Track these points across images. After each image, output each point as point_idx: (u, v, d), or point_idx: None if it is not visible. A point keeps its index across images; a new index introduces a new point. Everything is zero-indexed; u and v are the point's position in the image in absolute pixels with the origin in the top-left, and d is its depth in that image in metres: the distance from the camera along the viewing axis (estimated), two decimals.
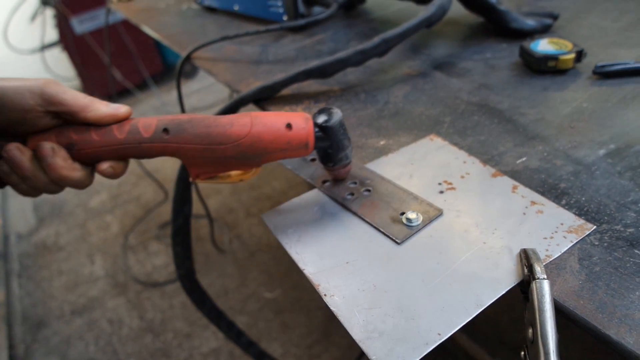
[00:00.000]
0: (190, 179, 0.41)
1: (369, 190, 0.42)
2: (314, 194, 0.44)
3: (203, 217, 1.86)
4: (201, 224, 1.84)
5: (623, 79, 0.52)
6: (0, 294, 1.72)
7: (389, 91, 0.58)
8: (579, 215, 0.36)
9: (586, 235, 0.34)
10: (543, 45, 0.56)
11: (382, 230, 0.38)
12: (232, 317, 1.42)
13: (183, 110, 0.93)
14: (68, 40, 2.73)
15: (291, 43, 0.77)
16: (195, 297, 0.92)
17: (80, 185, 0.39)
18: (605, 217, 0.36)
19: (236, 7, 0.93)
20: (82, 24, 2.70)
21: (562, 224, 0.36)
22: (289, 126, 0.37)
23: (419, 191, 0.41)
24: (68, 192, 2.23)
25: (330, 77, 0.60)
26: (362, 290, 0.33)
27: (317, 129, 0.39)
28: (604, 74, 0.52)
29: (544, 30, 0.65)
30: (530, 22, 0.64)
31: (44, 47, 2.73)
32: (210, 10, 1.04)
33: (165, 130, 0.38)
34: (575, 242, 0.34)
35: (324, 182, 0.44)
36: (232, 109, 0.58)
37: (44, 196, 2.17)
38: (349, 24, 0.81)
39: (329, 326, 1.36)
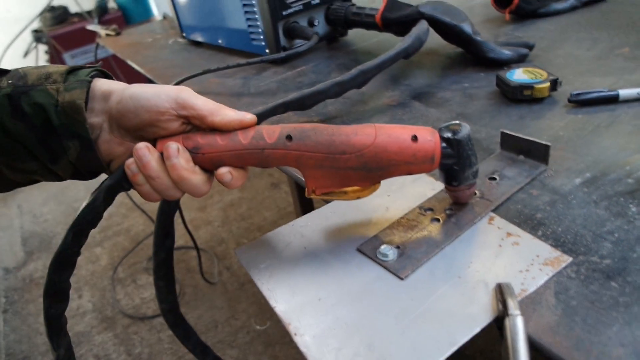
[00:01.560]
0: (306, 194, 0.40)
1: None
2: (288, 228, 0.43)
3: (192, 248, 1.84)
4: (190, 256, 1.81)
5: (597, 107, 0.52)
6: None
7: (368, 122, 0.58)
8: (556, 246, 0.36)
9: (563, 268, 0.34)
10: (518, 75, 0.57)
11: (355, 266, 0.37)
12: (222, 351, 1.39)
13: None
14: None
15: (273, 75, 0.78)
16: (179, 332, 0.90)
17: (198, 189, 0.39)
18: (582, 248, 0.35)
19: (220, 41, 0.94)
20: (74, 59, 2.73)
21: (538, 256, 0.35)
22: (414, 138, 0.36)
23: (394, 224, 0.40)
24: (57, 224, 2.21)
25: (310, 109, 0.60)
26: (334, 328, 0.32)
27: (443, 144, 0.37)
28: (579, 102, 0.52)
29: (520, 60, 0.65)
30: (507, 52, 0.65)
31: None
32: (196, 44, 1.05)
33: (289, 137, 0.37)
34: (551, 275, 0.33)
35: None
36: None
37: (34, 229, 2.14)
38: (330, 55, 0.82)
39: None
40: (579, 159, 0.45)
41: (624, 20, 0.75)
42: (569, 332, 0.29)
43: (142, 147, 0.38)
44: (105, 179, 0.40)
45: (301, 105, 0.58)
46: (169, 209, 0.73)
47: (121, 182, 0.40)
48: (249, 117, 0.39)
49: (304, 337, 0.32)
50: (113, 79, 0.43)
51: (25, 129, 0.37)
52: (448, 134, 0.37)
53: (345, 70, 0.75)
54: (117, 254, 1.92)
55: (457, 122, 0.38)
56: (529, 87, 0.54)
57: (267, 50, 0.81)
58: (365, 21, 0.77)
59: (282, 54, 0.76)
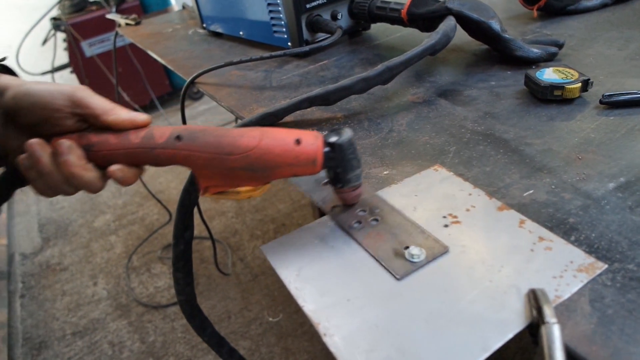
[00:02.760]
0: (200, 193, 0.42)
1: (376, 220, 0.41)
2: (315, 225, 0.43)
3: (206, 238, 1.85)
4: (204, 246, 1.82)
5: (631, 109, 0.51)
6: (1, 314, 1.70)
7: (393, 119, 0.57)
8: (589, 252, 0.35)
9: (597, 275, 0.33)
10: (549, 74, 0.55)
11: (383, 264, 0.37)
12: (235, 342, 1.40)
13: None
14: (78, 62, 2.77)
15: (295, 69, 0.77)
16: (196, 323, 0.90)
17: (91, 186, 0.40)
18: (617, 256, 0.34)
19: (241, 33, 0.94)
20: (91, 47, 2.75)
21: (571, 262, 0.34)
22: (298, 142, 0.38)
23: (423, 224, 0.40)
24: (74, 212, 2.23)
25: (334, 104, 0.59)
26: (363, 330, 0.32)
27: (327, 148, 0.38)
28: (612, 104, 0.51)
29: (549, 59, 0.64)
30: (536, 51, 0.64)
31: (54, 69, 2.77)
32: (216, 35, 1.05)
33: (178, 137, 0.39)
34: (586, 282, 0.33)
35: (334, 207, 0.43)
36: None
37: (50, 216, 2.17)
38: (353, 50, 0.81)
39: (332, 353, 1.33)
40: (612, 163, 0.44)
41: None
42: (606, 341, 0.29)
43: (34, 142, 0.39)
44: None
45: (325, 100, 0.58)
46: (189, 202, 0.73)
47: (15, 177, 0.41)
48: (141, 117, 0.41)
49: (333, 337, 0.32)
50: (16, 75, 0.44)
51: None
52: (331, 139, 0.38)
53: (369, 65, 0.74)
54: (132, 243, 1.93)
55: (342, 128, 0.40)
56: (559, 87, 0.53)
57: (289, 44, 0.81)
58: (390, 15, 0.76)
59: (306, 48, 0.75)
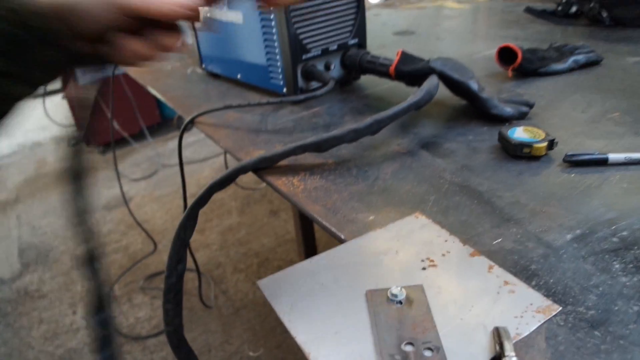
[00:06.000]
0: None
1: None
2: (307, 264, 0.47)
3: (191, 270, 1.86)
4: (187, 278, 1.83)
5: (589, 168, 0.57)
6: None
7: (379, 167, 0.63)
8: (547, 296, 0.40)
9: (553, 316, 0.38)
10: (519, 133, 0.62)
11: (367, 302, 0.41)
12: None
13: (181, 166, 0.97)
14: (70, 88, 2.81)
15: (289, 114, 0.83)
16: (181, 355, 0.92)
17: None
18: (570, 299, 0.39)
19: (239, 76, 1.00)
20: (86, 75, 2.79)
21: (531, 304, 0.39)
22: None
23: (403, 267, 0.45)
24: (56, 238, 2.22)
25: (325, 152, 0.65)
26: None
27: None
28: (573, 163, 0.58)
29: (520, 117, 0.71)
30: (509, 110, 0.71)
31: (45, 94, 2.81)
32: (214, 76, 1.11)
33: None
34: (543, 322, 0.38)
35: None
36: (231, 177, 0.62)
37: (31, 241, 2.15)
38: (343, 98, 0.88)
39: None
40: (570, 216, 0.49)
41: (615, 85, 0.81)
42: None
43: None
44: None
45: (318, 148, 0.63)
46: (184, 237, 0.77)
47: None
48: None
49: None
50: None
51: None
52: None
53: (358, 114, 0.81)
54: (114, 272, 1.93)
55: None
56: (528, 145, 0.60)
57: (284, 90, 0.87)
58: (378, 69, 0.83)
59: (301, 97, 0.81)
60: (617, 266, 0.42)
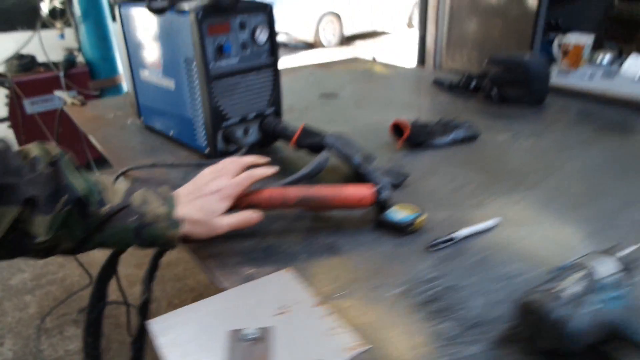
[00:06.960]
0: None
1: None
2: (194, 307, 0.59)
3: (123, 304, 1.90)
4: (121, 311, 1.88)
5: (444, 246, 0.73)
6: None
7: (268, 227, 0.77)
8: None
9: (362, 352, 0.52)
10: (394, 211, 0.77)
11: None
12: None
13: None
14: (17, 118, 2.84)
15: None
16: None
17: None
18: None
19: (171, 132, 1.12)
20: (33, 105, 2.84)
21: (349, 342, 0.53)
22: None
23: (263, 312, 0.58)
24: None
25: None
26: None
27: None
28: (433, 246, 0.73)
29: (396, 186, 0.87)
30: (385, 179, 0.86)
31: None
32: (150, 129, 1.23)
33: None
34: (355, 354, 0.51)
35: None
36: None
37: None
38: None
39: None
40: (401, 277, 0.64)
41: (479, 160, 0.99)
42: None
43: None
44: None
45: None
46: (106, 278, 0.88)
47: None
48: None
49: None
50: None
51: None
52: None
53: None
54: (48, 304, 1.95)
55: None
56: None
57: (206, 151, 1.00)
58: (287, 136, 0.98)
59: (218, 160, 0.95)
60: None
